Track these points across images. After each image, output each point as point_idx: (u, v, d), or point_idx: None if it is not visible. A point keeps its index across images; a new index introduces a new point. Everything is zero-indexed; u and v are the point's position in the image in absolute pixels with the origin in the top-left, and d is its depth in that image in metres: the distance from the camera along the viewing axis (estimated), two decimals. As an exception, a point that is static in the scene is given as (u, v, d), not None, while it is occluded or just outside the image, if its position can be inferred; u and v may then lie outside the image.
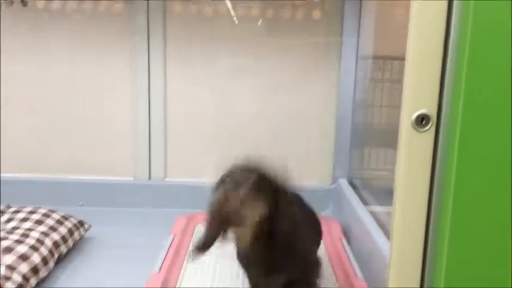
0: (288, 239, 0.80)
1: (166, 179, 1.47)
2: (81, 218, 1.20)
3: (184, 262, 1.07)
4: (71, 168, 1.46)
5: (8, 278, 0.91)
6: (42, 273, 0.99)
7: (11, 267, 0.93)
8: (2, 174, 1.43)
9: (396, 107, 1.52)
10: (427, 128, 0.71)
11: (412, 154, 0.72)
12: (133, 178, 1.47)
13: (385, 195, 1.25)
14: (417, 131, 0.71)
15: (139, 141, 1.45)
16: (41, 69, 1.42)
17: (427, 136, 0.71)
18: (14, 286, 0.91)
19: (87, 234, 1.20)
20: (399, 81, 1.48)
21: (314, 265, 0.90)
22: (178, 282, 0.98)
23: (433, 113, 0.71)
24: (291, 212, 0.83)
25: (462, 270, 0.73)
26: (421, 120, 0.71)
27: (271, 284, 0.85)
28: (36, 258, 0.98)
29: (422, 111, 0.70)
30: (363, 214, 1.15)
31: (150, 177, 1.47)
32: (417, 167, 0.72)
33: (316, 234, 0.98)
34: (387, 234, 1.00)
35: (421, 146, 0.71)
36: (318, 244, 0.98)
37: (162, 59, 1.41)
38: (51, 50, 1.41)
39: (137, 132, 1.45)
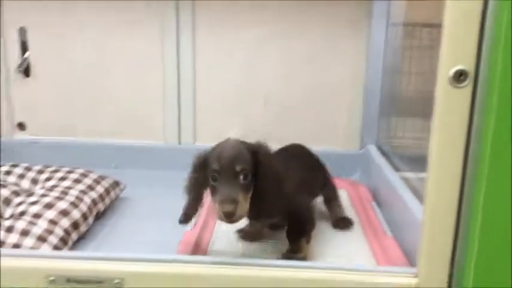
0: (270, 190, 0.84)
1: (196, 144, 1.49)
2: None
3: (216, 222, 1.10)
4: (104, 132, 1.49)
5: (50, 232, 0.96)
6: (83, 228, 1.03)
7: (53, 222, 0.97)
8: (38, 137, 1.49)
9: (427, 74, 1.51)
10: (464, 84, 0.70)
11: (448, 110, 0.72)
12: (163, 142, 1.50)
13: (415, 162, 1.26)
14: (454, 86, 0.71)
15: (169, 106, 1.47)
16: (71, 37, 1.44)
17: (464, 92, 0.71)
18: (57, 239, 0.95)
19: (122, 194, 1.24)
20: (431, 48, 1.47)
21: (300, 210, 0.95)
22: (211, 240, 1.02)
23: (471, 69, 0.70)
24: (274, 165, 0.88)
25: (497, 232, 0.74)
26: (459, 76, 0.70)
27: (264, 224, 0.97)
28: (76, 214, 1.02)
29: (460, 66, 0.70)
30: (393, 178, 1.15)
31: (180, 142, 1.49)
32: (454, 123, 0.72)
33: (314, 182, 1.08)
34: (418, 198, 1.01)
35: (458, 102, 0.71)
36: (317, 190, 1.10)
37: (191, 25, 1.42)
38: (82, 17, 1.43)
39: (167, 98, 1.47)
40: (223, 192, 0.79)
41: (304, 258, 0.93)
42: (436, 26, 1.48)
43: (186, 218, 0.90)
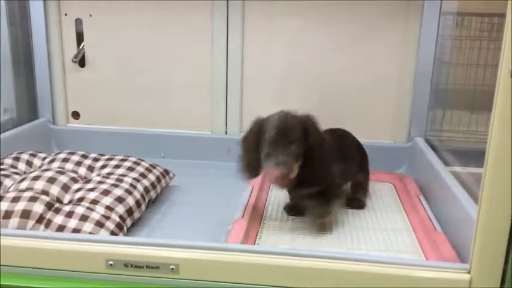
0: (316, 159, 0.95)
1: (242, 134, 1.51)
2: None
3: (264, 210, 1.12)
4: (153, 122, 1.53)
5: (107, 217, 1.00)
6: (136, 215, 1.07)
7: (109, 208, 1.02)
8: (91, 126, 1.55)
9: (477, 65, 1.46)
10: (526, 78, 0.69)
11: (509, 105, 0.70)
12: (210, 132, 1.52)
13: (463, 155, 1.23)
14: (516, 80, 0.69)
15: (217, 97, 1.50)
16: (124, 29, 1.48)
17: (525, 86, 0.69)
18: (113, 225, 0.99)
19: (172, 183, 1.27)
20: (481, 39, 1.42)
21: (333, 185, 1.05)
22: (260, 228, 1.04)
23: (533, 63, 0.68)
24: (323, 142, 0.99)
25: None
26: (521, 70, 0.69)
27: (300, 195, 1.04)
28: (130, 201, 1.06)
29: (523, 60, 0.68)
30: (443, 173, 1.13)
31: (226, 132, 1.52)
32: (514, 117, 0.70)
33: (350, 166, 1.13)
34: (469, 192, 0.99)
35: (519, 97, 0.69)
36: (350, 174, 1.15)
37: (241, 18, 1.43)
38: (135, 10, 1.47)
39: (215, 89, 1.49)
40: (276, 156, 0.90)
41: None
42: (488, 16, 1.45)
43: (249, 175, 1.00)
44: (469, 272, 0.76)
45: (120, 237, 0.96)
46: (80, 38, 1.51)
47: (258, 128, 0.95)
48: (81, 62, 1.52)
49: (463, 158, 1.23)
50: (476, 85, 1.42)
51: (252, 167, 0.97)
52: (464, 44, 1.45)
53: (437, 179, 1.14)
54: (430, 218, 1.07)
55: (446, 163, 1.21)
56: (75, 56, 1.50)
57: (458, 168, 1.18)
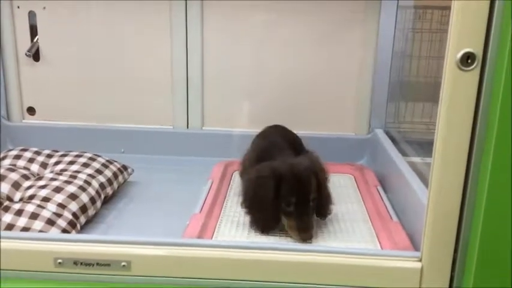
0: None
1: (204, 128, 1.50)
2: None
3: (223, 205, 1.11)
4: (113, 117, 1.50)
5: (59, 215, 0.97)
6: (91, 212, 1.04)
7: (61, 205, 0.99)
8: (48, 122, 1.50)
9: (437, 58, 1.49)
10: (472, 67, 0.70)
11: (455, 93, 0.71)
12: (172, 127, 1.50)
13: (423, 147, 1.25)
14: (462, 70, 0.70)
15: (178, 91, 1.47)
16: (80, 22, 1.44)
17: (471, 76, 0.70)
18: (66, 222, 0.96)
19: (130, 179, 1.25)
20: (442, 31, 1.45)
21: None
22: (218, 223, 1.02)
23: (479, 52, 0.69)
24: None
25: (501, 215, 0.74)
26: (467, 59, 0.69)
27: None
28: (84, 197, 1.03)
29: (468, 49, 0.69)
30: (400, 163, 1.14)
31: (188, 126, 1.50)
32: (460, 107, 0.71)
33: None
34: (424, 182, 1.00)
35: (465, 85, 0.71)
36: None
37: (200, 10, 1.41)
38: (92, 2, 1.43)
39: (175, 83, 1.47)
40: (300, 220, 0.91)
41: None
42: (447, 9, 1.47)
43: (267, 229, 0.97)
44: (420, 260, 0.77)
45: (69, 235, 0.93)
46: (33, 31, 1.46)
47: (275, 180, 0.93)
48: (36, 56, 1.47)
49: (420, 148, 1.25)
50: (438, 77, 1.44)
51: (271, 220, 0.95)
52: (425, 36, 1.47)
53: (394, 169, 1.15)
54: (386, 208, 1.08)
55: (404, 154, 1.23)
56: (29, 50, 1.45)
57: (415, 159, 1.20)
